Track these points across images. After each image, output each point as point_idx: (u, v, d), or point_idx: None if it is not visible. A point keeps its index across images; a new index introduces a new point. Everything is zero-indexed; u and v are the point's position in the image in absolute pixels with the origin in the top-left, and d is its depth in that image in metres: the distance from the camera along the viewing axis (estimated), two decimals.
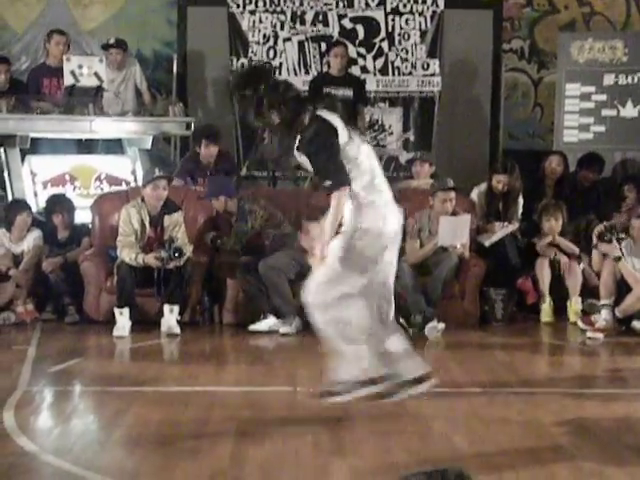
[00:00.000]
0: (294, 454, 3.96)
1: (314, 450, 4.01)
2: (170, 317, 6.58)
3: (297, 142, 4.28)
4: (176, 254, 6.61)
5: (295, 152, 4.31)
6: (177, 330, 6.55)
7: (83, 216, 7.49)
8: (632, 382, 5.47)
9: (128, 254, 6.67)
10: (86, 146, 8.31)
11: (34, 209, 7.46)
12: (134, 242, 6.75)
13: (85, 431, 4.41)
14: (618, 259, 6.69)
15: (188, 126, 8.34)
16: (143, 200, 6.86)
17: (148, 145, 8.41)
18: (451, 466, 1.63)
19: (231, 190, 7.19)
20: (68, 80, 7.72)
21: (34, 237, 7.12)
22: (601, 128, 8.86)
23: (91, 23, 9.27)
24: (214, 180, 7.51)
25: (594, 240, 6.95)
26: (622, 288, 6.72)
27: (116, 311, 6.58)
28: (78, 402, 5.04)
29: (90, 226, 7.40)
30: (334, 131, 4.24)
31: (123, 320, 6.54)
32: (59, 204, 7.36)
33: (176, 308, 6.61)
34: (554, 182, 8.00)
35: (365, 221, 4.27)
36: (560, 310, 7.10)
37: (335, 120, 4.27)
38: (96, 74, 7.78)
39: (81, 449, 4.04)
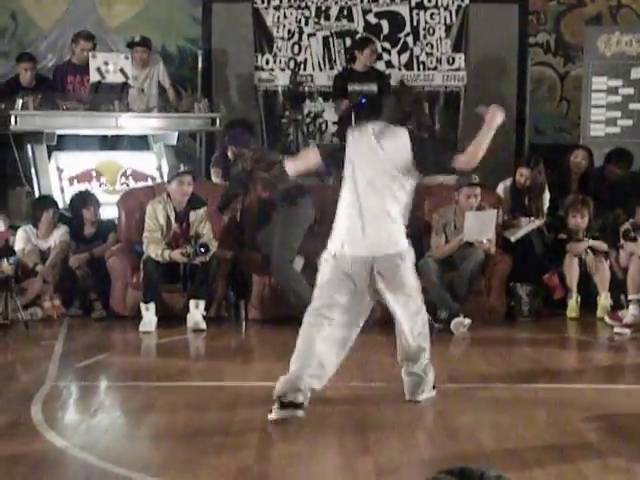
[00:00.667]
0: (320, 450, 3.95)
1: (339, 446, 4.00)
2: (196, 312, 6.60)
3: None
4: (202, 250, 6.62)
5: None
6: (203, 325, 6.57)
7: (109, 212, 7.53)
8: None
9: (154, 250, 6.69)
10: (112, 142, 8.35)
11: (60, 205, 7.50)
12: (160, 238, 6.78)
13: (112, 426, 4.43)
14: None
15: (213, 122, 8.36)
16: (168, 196, 6.88)
17: (174, 141, 8.44)
18: (481, 465, 1.60)
19: (241, 140, 7.26)
20: (94, 77, 7.75)
21: (61, 233, 7.16)
22: (628, 122, 8.78)
23: (116, 20, 9.31)
24: (231, 132, 7.70)
25: (621, 240, 6.88)
26: None
27: (142, 306, 6.61)
28: (105, 397, 5.07)
29: (116, 222, 7.43)
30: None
31: (149, 315, 6.56)
32: (85, 200, 7.40)
33: (202, 303, 6.63)
34: (579, 176, 7.94)
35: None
36: (587, 306, 7.04)
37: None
38: (122, 70, 7.81)
39: (108, 444, 4.06)
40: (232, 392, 4.90)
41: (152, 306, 6.59)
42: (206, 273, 6.67)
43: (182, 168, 6.91)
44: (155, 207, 6.85)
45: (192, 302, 6.62)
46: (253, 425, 4.25)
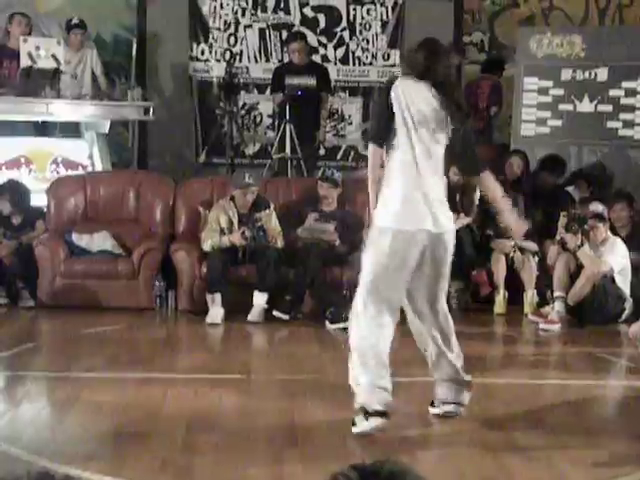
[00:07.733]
0: (246, 442, 3.96)
1: (267, 438, 4.01)
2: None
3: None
4: (261, 233, 6.63)
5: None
6: None
7: (39, 199, 7.40)
8: (583, 372, 5.55)
9: (212, 243, 6.68)
10: (43, 129, 8.20)
11: None
12: (218, 236, 6.74)
13: (37, 417, 4.37)
14: (579, 247, 6.73)
15: (146, 111, 8.26)
16: (232, 199, 6.84)
17: (106, 129, 8.31)
18: (389, 460, 1.59)
19: None
20: (25, 62, 7.61)
21: None
22: (558, 122, 8.94)
23: (49, 5, 9.14)
24: None
25: (559, 231, 6.94)
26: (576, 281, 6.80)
27: (208, 298, 6.54)
28: (30, 387, 4.99)
29: (45, 210, 7.31)
30: None
31: (216, 308, 6.49)
32: (10, 190, 7.22)
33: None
34: (511, 181, 8.03)
35: None
36: (515, 303, 7.17)
37: None
38: (54, 56, 7.68)
39: (32, 435, 4.01)
40: (160, 383, 4.87)
41: (218, 297, 6.50)
42: None
43: (247, 178, 6.82)
44: (218, 213, 6.82)
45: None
46: (180, 417, 4.24)
